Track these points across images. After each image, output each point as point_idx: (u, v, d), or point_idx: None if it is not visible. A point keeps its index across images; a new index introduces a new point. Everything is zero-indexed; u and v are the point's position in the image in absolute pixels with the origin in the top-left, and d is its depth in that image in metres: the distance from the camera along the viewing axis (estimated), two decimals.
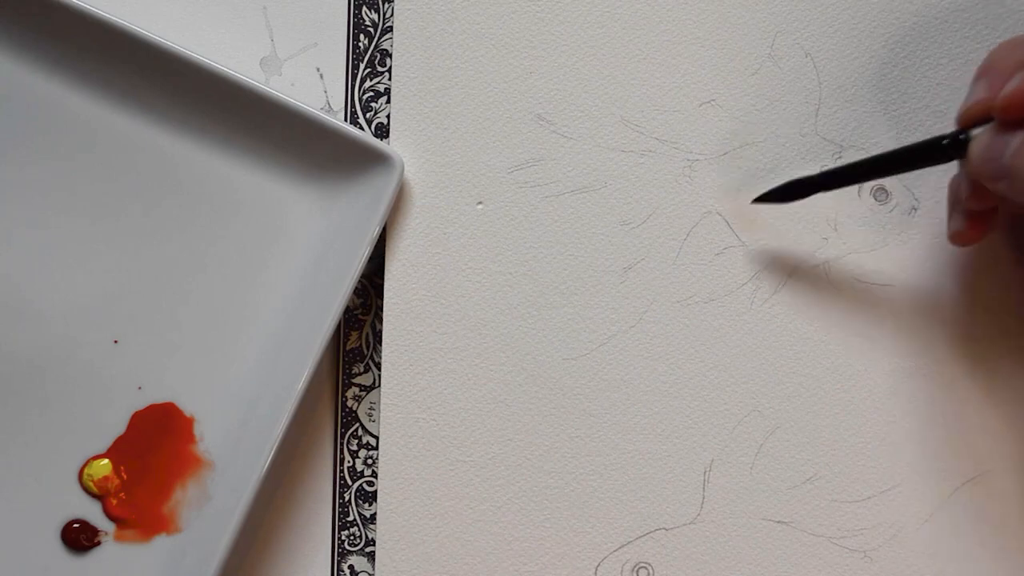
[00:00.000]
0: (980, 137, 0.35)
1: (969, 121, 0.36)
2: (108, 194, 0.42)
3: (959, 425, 0.41)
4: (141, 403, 0.42)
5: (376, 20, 0.43)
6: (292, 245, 0.42)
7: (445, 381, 0.42)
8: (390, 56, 0.43)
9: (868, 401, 0.41)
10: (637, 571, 0.42)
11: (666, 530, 0.42)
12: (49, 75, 0.42)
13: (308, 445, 0.43)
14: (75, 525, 0.41)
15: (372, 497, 0.43)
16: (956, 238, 0.39)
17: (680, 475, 0.42)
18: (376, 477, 0.42)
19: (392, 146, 0.42)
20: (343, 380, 0.43)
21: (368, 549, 0.43)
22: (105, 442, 0.42)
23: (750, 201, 0.41)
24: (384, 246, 0.42)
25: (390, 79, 0.43)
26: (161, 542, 0.41)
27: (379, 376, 0.43)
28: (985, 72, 0.36)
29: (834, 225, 0.42)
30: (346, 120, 0.43)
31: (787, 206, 0.41)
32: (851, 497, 0.41)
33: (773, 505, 0.41)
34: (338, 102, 0.44)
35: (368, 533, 0.43)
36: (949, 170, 0.39)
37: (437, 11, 0.43)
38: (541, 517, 0.42)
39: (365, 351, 0.43)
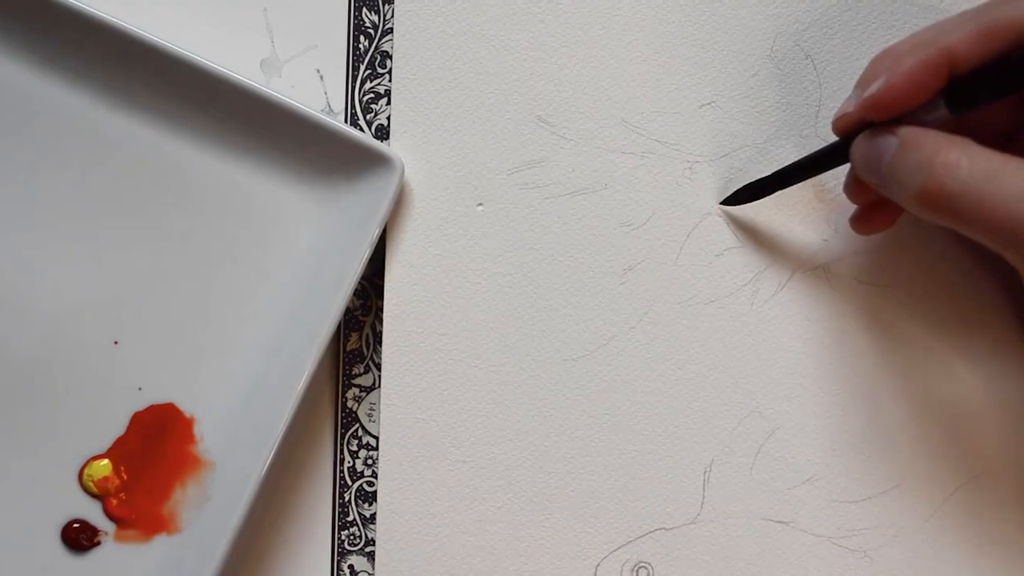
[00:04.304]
0: (858, 144, 0.36)
1: (841, 131, 0.37)
2: (108, 195, 0.42)
3: (959, 425, 0.41)
4: (141, 403, 0.42)
5: (376, 22, 0.43)
6: (292, 246, 0.42)
7: (445, 382, 0.42)
8: (390, 58, 0.43)
9: (868, 401, 0.41)
10: (637, 571, 0.42)
11: (666, 530, 0.42)
12: (49, 75, 0.42)
13: (308, 445, 0.43)
14: (75, 525, 0.41)
15: (372, 497, 0.43)
16: (852, 226, 0.41)
17: (680, 475, 0.42)
18: (376, 477, 0.42)
19: (392, 148, 0.42)
20: (343, 381, 0.43)
21: (368, 549, 0.43)
22: (105, 442, 0.42)
23: (718, 203, 0.42)
24: (384, 247, 0.42)
25: (390, 81, 0.43)
26: (161, 542, 0.41)
27: (379, 377, 0.43)
28: (857, 84, 0.37)
29: (834, 226, 0.42)
30: (346, 122, 0.43)
31: (789, 207, 0.41)
32: (851, 497, 0.41)
33: (773, 505, 0.41)
34: (338, 104, 0.44)
35: (368, 533, 0.43)
36: None
37: (437, 12, 0.43)
38: (541, 517, 0.42)
39: (365, 352, 0.43)
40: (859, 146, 0.36)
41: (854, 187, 0.39)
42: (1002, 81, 0.33)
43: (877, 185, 0.36)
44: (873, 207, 0.39)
